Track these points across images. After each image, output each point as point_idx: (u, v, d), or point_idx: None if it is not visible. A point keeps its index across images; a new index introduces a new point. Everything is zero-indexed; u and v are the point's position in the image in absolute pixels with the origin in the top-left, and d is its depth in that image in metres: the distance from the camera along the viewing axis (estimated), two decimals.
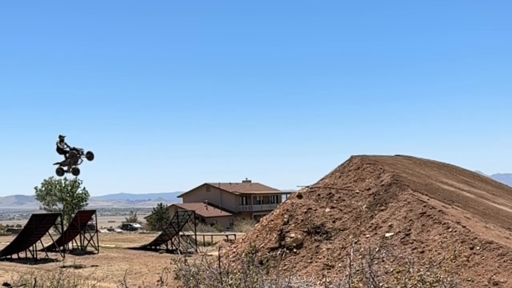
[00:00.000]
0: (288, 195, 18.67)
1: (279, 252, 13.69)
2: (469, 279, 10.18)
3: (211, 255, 14.83)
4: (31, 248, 30.01)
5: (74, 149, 19.05)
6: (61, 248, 31.80)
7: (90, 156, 19.13)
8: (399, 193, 14.09)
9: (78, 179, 61.63)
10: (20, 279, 13.81)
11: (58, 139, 19.29)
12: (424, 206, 13.14)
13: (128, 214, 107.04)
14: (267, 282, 7.96)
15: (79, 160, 18.98)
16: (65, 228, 33.45)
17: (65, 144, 19.30)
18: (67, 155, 19.06)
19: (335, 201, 15.12)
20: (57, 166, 19.33)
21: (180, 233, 35.93)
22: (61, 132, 19.22)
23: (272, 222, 15.07)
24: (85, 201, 62.34)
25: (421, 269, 7.70)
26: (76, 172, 19.33)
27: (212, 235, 42.86)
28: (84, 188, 62.36)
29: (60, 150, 19.18)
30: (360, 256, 9.00)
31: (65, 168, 19.25)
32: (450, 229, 11.91)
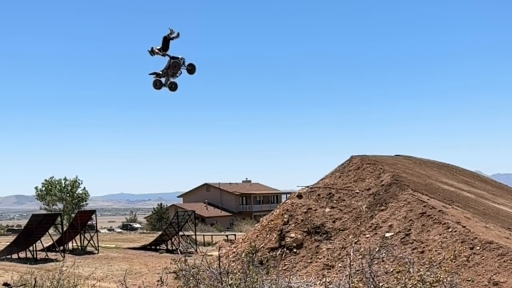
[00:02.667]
0: (288, 195, 18.65)
1: (279, 252, 13.68)
2: (469, 279, 10.18)
3: (211, 255, 14.82)
4: (31, 248, 30.01)
5: (174, 57, 15.96)
6: (61, 248, 31.81)
7: (192, 68, 16.08)
8: (399, 193, 14.09)
9: (78, 179, 61.76)
10: (20, 279, 13.78)
11: (152, 49, 15.86)
12: (424, 206, 13.13)
13: (128, 214, 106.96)
14: (267, 282, 7.96)
15: (179, 72, 16.09)
16: (65, 228, 33.46)
17: (170, 38, 15.82)
18: (166, 64, 16.02)
19: (335, 201, 15.12)
20: (153, 77, 16.35)
21: (180, 233, 35.93)
22: None
23: (272, 222, 15.07)
24: (85, 201, 62.38)
25: (421, 269, 7.70)
26: (173, 87, 16.40)
27: (212, 235, 42.85)
28: (84, 188, 62.48)
29: (165, 44, 15.62)
30: (360, 256, 9.00)
31: (163, 80, 16.29)
32: (450, 229, 11.91)
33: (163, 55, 15.77)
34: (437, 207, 13.11)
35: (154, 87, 16.29)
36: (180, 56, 15.88)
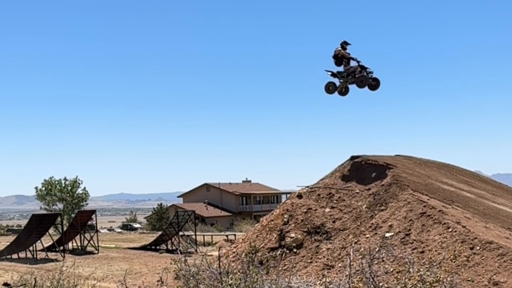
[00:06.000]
0: (288, 195, 18.64)
1: (279, 252, 13.66)
2: (469, 279, 10.17)
3: (211, 255, 14.83)
4: (31, 248, 30.02)
5: (363, 67, 14.20)
6: (61, 248, 31.81)
7: (376, 84, 14.34)
8: (399, 193, 14.08)
9: (78, 179, 61.73)
10: (20, 279, 13.79)
11: (339, 47, 14.17)
12: (424, 206, 13.13)
13: (128, 214, 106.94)
14: (267, 282, 7.95)
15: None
16: (65, 228, 33.46)
17: (348, 53, 14.14)
18: (351, 69, 14.20)
19: (335, 201, 15.11)
20: (328, 74, 14.61)
21: (180, 233, 35.94)
22: None
23: (272, 222, 15.06)
24: (85, 201, 62.41)
25: (421, 269, 7.70)
26: (345, 92, 14.70)
27: (212, 235, 42.84)
28: (84, 188, 62.48)
29: (339, 60, 14.11)
30: (360, 256, 9.00)
31: (338, 83, 14.61)
32: (450, 229, 11.90)
33: (348, 60, 14.36)
34: (437, 207, 13.10)
35: (326, 91, 14.94)
36: (369, 69, 14.47)
